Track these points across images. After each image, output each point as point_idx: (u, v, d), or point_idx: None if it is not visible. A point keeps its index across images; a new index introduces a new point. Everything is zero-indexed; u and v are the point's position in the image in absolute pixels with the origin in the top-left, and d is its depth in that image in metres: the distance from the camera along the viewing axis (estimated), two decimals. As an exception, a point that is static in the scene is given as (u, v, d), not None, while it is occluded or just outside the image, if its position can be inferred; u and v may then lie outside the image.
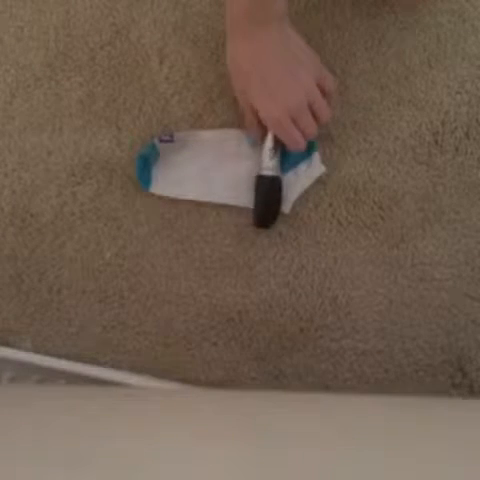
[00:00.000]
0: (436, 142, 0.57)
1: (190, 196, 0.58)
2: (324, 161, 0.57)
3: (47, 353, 0.61)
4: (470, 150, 0.57)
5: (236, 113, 0.59)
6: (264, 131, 0.54)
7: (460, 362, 0.58)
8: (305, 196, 0.58)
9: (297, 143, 0.51)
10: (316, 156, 0.57)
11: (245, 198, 0.57)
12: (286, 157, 0.56)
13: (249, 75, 0.48)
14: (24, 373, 0.60)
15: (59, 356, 0.60)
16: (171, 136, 0.57)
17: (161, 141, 0.57)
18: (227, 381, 0.59)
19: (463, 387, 0.58)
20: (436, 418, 0.38)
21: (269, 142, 0.55)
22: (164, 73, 0.59)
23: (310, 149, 0.56)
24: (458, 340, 0.58)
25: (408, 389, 0.58)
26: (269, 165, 0.55)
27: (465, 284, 0.57)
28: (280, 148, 0.56)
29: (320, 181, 0.57)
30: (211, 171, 0.58)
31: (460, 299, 0.58)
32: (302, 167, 0.57)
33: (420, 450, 0.31)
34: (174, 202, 0.59)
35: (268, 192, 0.56)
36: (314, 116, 0.51)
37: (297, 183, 0.57)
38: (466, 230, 0.57)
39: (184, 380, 0.60)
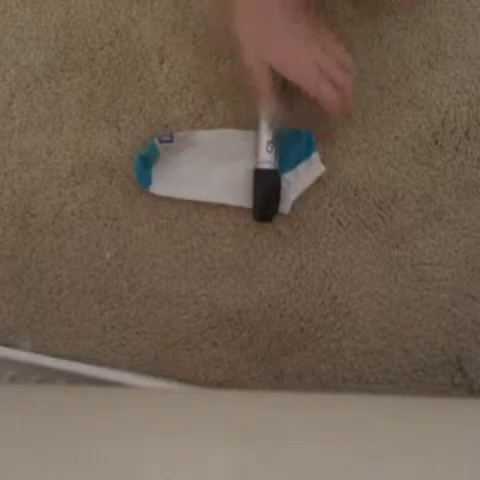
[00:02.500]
0: (436, 142, 0.57)
1: (189, 196, 0.58)
2: (324, 161, 0.57)
3: (47, 353, 0.61)
4: (470, 150, 0.57)
5: (236, 113, 0.59)
6: (281, 99, 0.52)
7: (460, 362, 0.58)
8: (305, 196, 0.57)
9: (332, 98, 0.47)
10: (316, 156, 0.57)
11: (244, 197, 0.57)
12: (285, 157, 0.57)
13: (267, 32, 0.46)
14: (24, 373, 0.60)
15: (59, 356, 0.60)
16: (171, 136, 0.57)
17: (161, 141, 0.57)
18: (227, 381, 0.59)
19: (463, 387, 0.58)
20: (436, 418, 0.38)
21: (268, 135, 0.55)
22: (164, 73, 0.59)
23: (310, 149, 0.57)
24: (458, 340, 0.58)
25: (408, 389, 0.58)
26: (267, 158, 0.55)
27: (465, 284, 0.57)
28: (278, 147, 0.56)
29: (320, 181, 0.57)
30: (210, 171, 0.58)
31: (460, 299, 0.58)
32: (302, 167, 0.57)
33: (420, 450, 0.31)
34: (174, 202, 0.59)
35: (268, 185, 0.56)
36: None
37: (297, 183, 0.57)
38: (466, 230, 0.57)
39: (184, 380, 0.60)
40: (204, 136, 0.58)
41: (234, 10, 0.48)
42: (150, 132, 0.59)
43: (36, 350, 0.61)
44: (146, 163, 0.57)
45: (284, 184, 0.57)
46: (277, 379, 0.59)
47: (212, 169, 0.58)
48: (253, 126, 0.57)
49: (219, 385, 0.59)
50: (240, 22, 0.49)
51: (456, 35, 0.57)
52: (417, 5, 0.57)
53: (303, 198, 0.58)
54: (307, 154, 0.56)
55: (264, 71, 0.48)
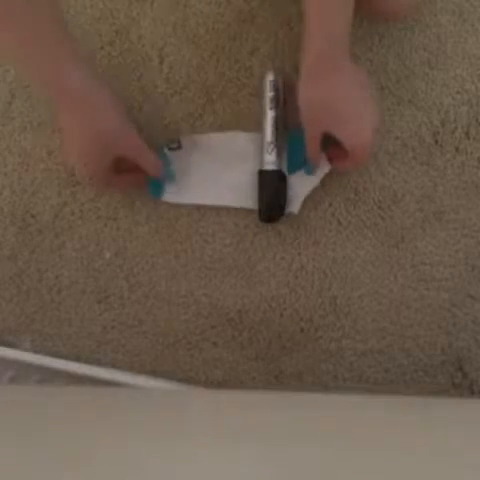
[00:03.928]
0: (436, 142, 0.57)
1: (200, 201, 0.58)
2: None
3: (47, 353, 0.61)
4: (470, 150, 0.57)
5: (236, 113, 0.59)
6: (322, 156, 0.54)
7: (460, 362, 0.58)
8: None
9: (366, 160, 0.52)
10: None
11: (251, 199, 0.57)
12: (293, 157, 0.56)
13: (330, 111, 0.48)
14: (24, 373, 0.60)
15: (59, 356, 0.60)
16: (178, 142, 0.57)
17: (170, 149, 0.57)
18: (227, 381, 0.59)
19: (463, 387, 0.58)
20: (436, 418, 0.38)
21: (268, 136, 0.55)
22: (164, 73, 0.59)
23: None
24: (458, 340, 0.58)
25: (408, 389, 0.58)
26: (268, 159, 0.55)
27: (465, 284, 0.57)
28: (285, 147, 0.56)
29: (320, 181, 0.57)
30: (219, 175, 0.58)
31: (460, 299, 0.58)
32: (309, 167, 0.56)
33: (420, 450, 0.31)
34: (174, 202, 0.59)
35: (271, 186, 0.56)
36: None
37: (305, 183, 0.57)
38: (466, 230, 0.57)
39: (184, 380, 0.60)
40: (210, 139, 0.58)
41: (299, 81, 0.49)
42: (150, 132, 0.59)
43: (36, 350, 0.61)
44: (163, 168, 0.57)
45: (293, 184, 0.56)
46: (277, 379, 0.59)
47: (220, 173, 0.58)
48: (255, 127, 0.57)
49: (219, 385, 0.59)
50: (303, 94, 0.49)
51: (456, 35, 0.57)
52: (411, 12, 0.57)
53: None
54: None
55: (318, 141, 0.51)
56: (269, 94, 0.55)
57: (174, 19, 0.59)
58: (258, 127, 0.57)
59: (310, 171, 0.56)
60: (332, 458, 0.30)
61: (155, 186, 0.57)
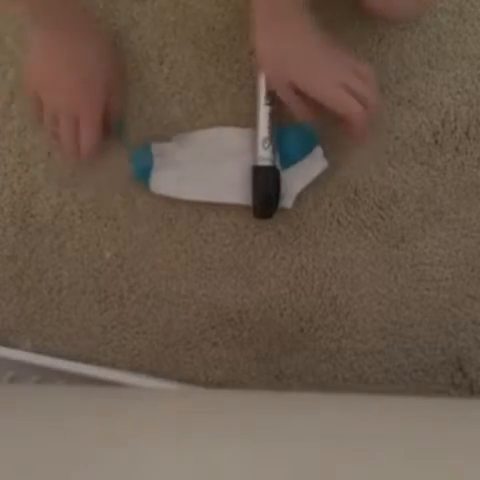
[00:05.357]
0: (436, 142, 0.57)
1: (189, 196, 0.58)
2: (324, 161, 0.57)
3: (47, 353, 0.61)
4: (470, 150, 0.57)
5: (236, 113, 0.59)
6: (308, 107, 0.51)
7: (460, 362, 0.58)
8: (305, 196, 0.57)
9: (357, 111, 0.47)
10: (318, 150, 0.56)
11: (244, 195, 0.57)
12: (287, 151, 0.56)
13: (288, 61, 0.47)
14: (24, 373, 0.60)
15: (59, 356, 0.60)
16: (168, 139, 0.57)
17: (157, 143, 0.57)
18: (227, 381, 0.59)
19: (463, 387, 0.58)
20: (436, 418, 0.38)
21: (264, 132, 0.55)
22: (164, 73, 0.59)
23: (311, 143, 0.56)
24: (458, 340, 0.58)
25: (408, 389, 0.58)
26: (264, 155, 0.55)
27: (465, 284, 0.57)
28: (278, 141, 0.56)
29: (320, 181, 0.57)
30: (209, 170, 0.58)
31: (460, 299, 0.58)
32: (304, 161, 0.56)
33: (420, 450, 0.31)
34: (174, 202, 0.59)
35: (266, 182, 0.56)
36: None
37: (299, 178, 0.56)
38: (466, 230, 0.57)
39: (184, 380, 0.60)
40: (201, 135, 0.58)
41: (253, 33, 0.48)
42: (150, 132, 0.59)
43: (36, 350, 0.61)
44: (143, 166, 0.57)
45: (286, 179, 0.56)
46: (277, 379, 0.59)
47: (213, 169, 0.58)
48: (251, 123, 0.57)
49: (219, 385, 0.59)
50: (259, 44, 0.48)
51: (456, 35, 0.57)
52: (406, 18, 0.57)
53: (303, 198, 0.58)
54: (309, 148, 0.56)
55: (290, 93, 0.49)
56: (264, 89, 0.55)
57: (174, 19, 0.59)
58: (252, 123, 0.57)
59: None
60: (332, 458, 0.30)
61: (140, 172, 0.57)
